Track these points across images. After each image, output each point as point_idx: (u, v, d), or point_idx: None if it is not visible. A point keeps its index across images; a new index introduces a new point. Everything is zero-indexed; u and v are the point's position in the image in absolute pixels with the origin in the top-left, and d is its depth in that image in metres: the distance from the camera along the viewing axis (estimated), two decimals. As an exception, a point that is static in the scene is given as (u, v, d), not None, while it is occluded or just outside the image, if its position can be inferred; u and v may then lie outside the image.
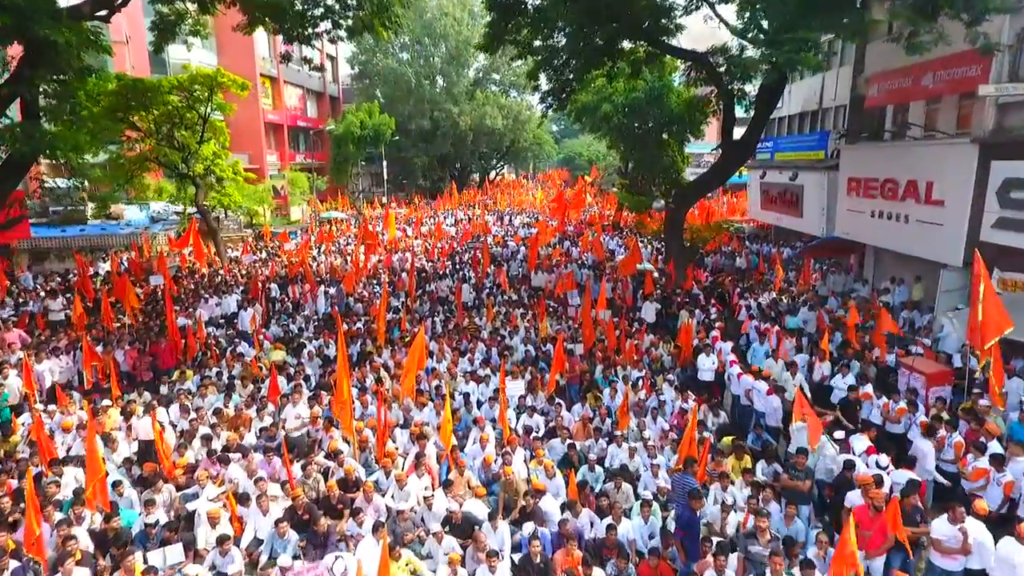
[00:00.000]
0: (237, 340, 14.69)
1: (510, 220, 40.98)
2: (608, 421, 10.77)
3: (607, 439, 10.11)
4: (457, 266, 25.33)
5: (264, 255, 25.92)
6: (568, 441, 9.79)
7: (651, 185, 34.13)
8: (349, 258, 24.55)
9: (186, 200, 24.67)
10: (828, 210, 21.17)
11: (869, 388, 10.31)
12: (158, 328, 14.56)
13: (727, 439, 9.79)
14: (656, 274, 19.79)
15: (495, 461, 9.05)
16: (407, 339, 15.08)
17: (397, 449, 9.38)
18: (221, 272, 22.09)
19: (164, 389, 11.96)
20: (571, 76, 19.80)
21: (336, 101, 55.82)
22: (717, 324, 14.15)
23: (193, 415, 10.20)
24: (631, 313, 17.25)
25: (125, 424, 9.91)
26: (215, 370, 12.78)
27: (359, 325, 16.12)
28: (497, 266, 23.89)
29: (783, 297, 18.47)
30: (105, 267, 22.86)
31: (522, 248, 27.27)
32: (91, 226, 25.74)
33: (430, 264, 25.19)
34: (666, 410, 10.91)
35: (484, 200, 50.47)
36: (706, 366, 12.12)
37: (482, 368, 13.09)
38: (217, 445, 9.29)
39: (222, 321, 16.63)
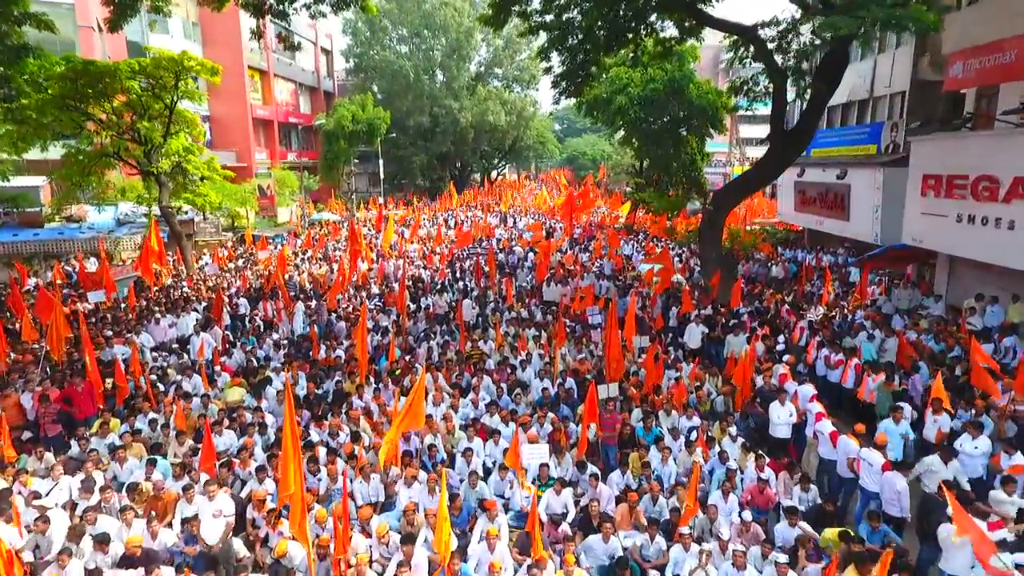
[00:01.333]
0: (190, 373, 11.93)
1: (514, 222, 38.26)
2: (662, 498, 8.00)
3: (662, 530, 7.37)
4: (458, 274, 22.59)
5: (240, 263, 23.02)
6: (613, 539, 7.03)
7: (668, 184, 31.47)
8: (336, 266, 21.76)
9: (151, 201, 21.94)
10: (883, 212, 18.45)
11: (1021, 458, 7.55)
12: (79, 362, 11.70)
13: (830, 533, 7.03)
14: (688, 287, 17.03)
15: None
16: (396, 372, 12.32)
17: (369, 559, 6.60)
18: (184, 285, 19.25)
19: (76, 448, 9.18)
20: (587, 57, 17.07)
21: (331, 97, 53.05)
22: (786, 358, 11.33)
23: (96, 495, 7.45)
24: (663, 336, 14.48)
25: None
26: (150, 416, 10.02)
27: (339, 352, 13.36)
28: (503, 275, 21.13)
29: (834, 313, 15.74)
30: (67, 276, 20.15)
31: (530, 255, 24.52)
32: (47, 230, 23.01)
33: (428, 272, 22.44)
34: (737, 481, 8.14)
35: (486, 201, 47.70)
36: (781, 418, 9.33)
37: (489, 413, 10.33)
38: (117, 551, 6.54)
39: (176, 346, 13.86)
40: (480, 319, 16.89)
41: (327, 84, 53.15)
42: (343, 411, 10.03)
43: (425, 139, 49.56)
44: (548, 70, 17.92)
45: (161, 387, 11.53)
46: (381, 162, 46.53)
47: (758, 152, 57.18)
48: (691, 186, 31.34)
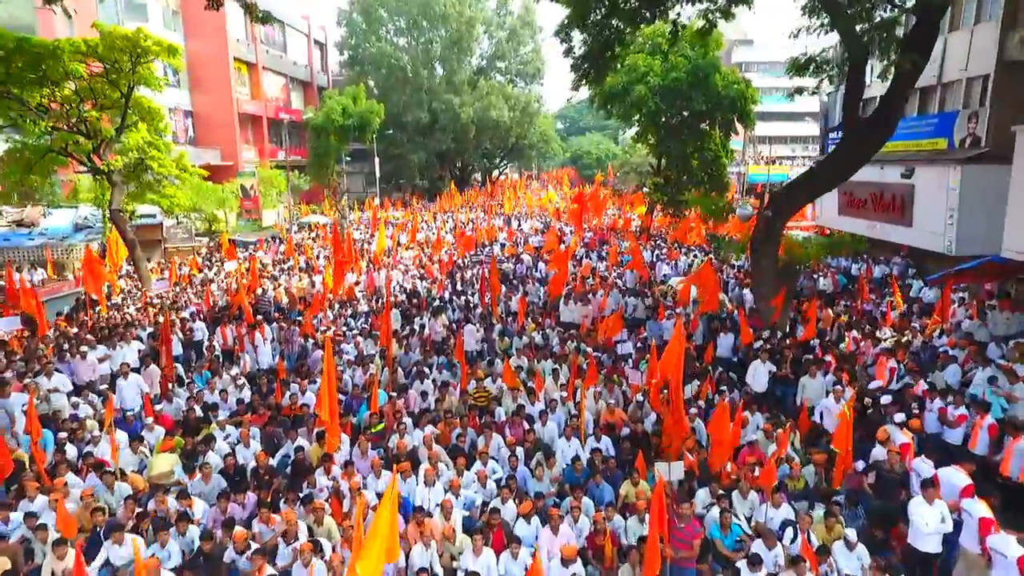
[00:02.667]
0: (108, 430, 9.13)
1: (519, 225, 35.49)
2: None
3: None
4: (459, 286, 19.79)
5: (209, 274, 20.08)
6: None
7: (689, 185, 28.66)
8: (320, 278, 18.93)
9: (105, 202, 19.13)
10: (959, 217, 15.68)
11: None
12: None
13: None
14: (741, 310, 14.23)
15: None
16: (378, 428, 9.53)
17: None
18: (130, 305, 16.31)
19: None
20: (612, 35, 14.32)
21: (325, 92, 50.34)
22: (897, 416, 8.46)
23: None
24: (711, 371, 11.66)
25: None
26: (26, 509, 7.22)
27: (309, 395, 10.55)
28: (510, 289, 18.33)
29: (908, 337, 12.96)
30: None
31: (541, 265, 21.73)
32: (-9, 236, 20.26)
33: (425, 284, 19.65)
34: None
35: (488, 202, 44.91)
36: (930, 525, 6.38)
37: (502, 498, 7.53)
38: None
39: (105, 387, 11.07)
40: (485, 344, 14.11)
41: (321, 79, 50.36)
42: (299, 499, 7.22)
43: (423, 136, 46.78)
44: (568, 51, 15.13)
45: (74, 450, 8.76)
46: (377, 161, 43.78)
47: (770, 150, 54.53)
48: (713, 186, 28.54)
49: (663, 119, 26.70)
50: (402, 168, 48.14)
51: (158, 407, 10.03)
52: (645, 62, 25.97)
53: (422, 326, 14.55)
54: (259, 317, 14.40)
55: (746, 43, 63.13)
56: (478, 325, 14.34)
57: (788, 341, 11.35)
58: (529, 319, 15.15)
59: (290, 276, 19.41)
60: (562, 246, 20.86)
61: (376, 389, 9.95)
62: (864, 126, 11.80)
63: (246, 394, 10.75)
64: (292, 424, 9.75)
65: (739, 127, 26.85)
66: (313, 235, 29.51)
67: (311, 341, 13.81)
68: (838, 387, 9.13)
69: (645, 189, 30.23)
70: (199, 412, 9.88)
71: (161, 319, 13.31)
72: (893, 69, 11.45)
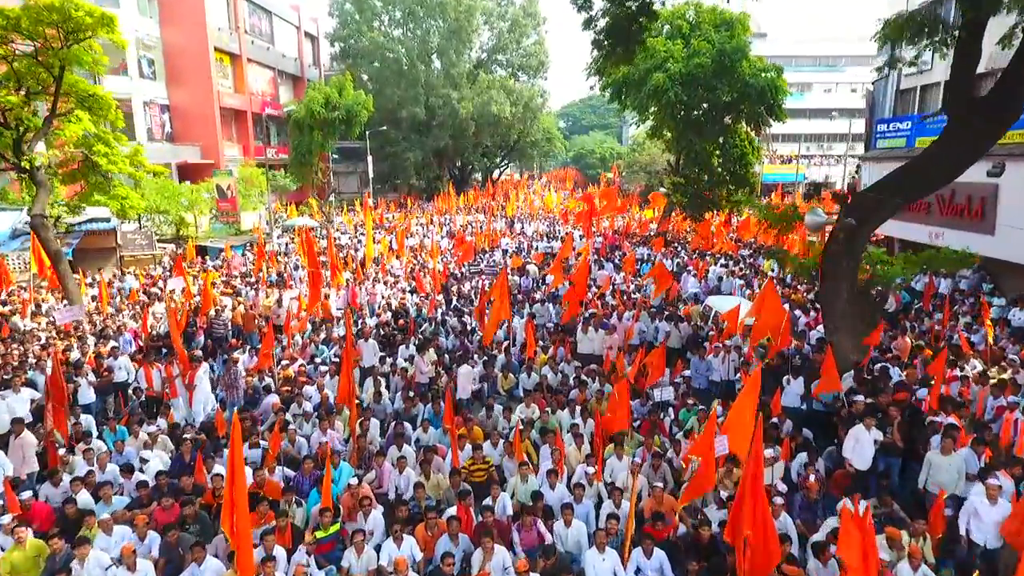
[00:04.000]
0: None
1: (522, 229, 32.68)
2: None
3: None
4: (455, 300, 16.95)
5: (145, 298, 16.83)
6: None
7: (711, 184, 25.88)
8: (291, 295, 16.03)
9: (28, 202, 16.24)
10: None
11: None
12: None
13: None
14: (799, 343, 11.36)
15: None
16: (329, 532, 6.68)
17: None
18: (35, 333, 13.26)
19: None
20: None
21: (309, 83, 47.47)
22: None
23: None
24: (784, 433, 8.81)
25: None
26: None
27: (248, 472, 7.70)
28: (517, 309, 15.45)
29: (1008, 372, 10.16)
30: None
31: (550, 277, 18.91)
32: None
33: (415, 300, 16.81)
34: None
35: (489, 203, 42.06)
36: None
37: None
38: None
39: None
40: (485, 385, 11.28)
41: (312, 73, 47.50)
42: None
43: (420, 133, 43.92)
44: (589, 22, 12.29)
45: None
46: (370, 159, 40.95)
47: (785, 148, 51.51)
48: (738, 186, 25.74)
49: (682, 111, 23.89)
50: (397, 167, 45.27)
51: (25, 495, 7.17)
52: (664, 47, 23.17)
53: (408, 359, 11.72)
54: (199, 353, 11.53)
55: (760, 36, 60.38)
56: (476, 361, 11.49)
57: (892, 395, 8.48)
58: (539, 349, 12.31)
59: (257, 291, 16.56)
60: (575, 254, 18.04)
61: (330, 475, 7.06)
62: (980, 108, 8.95)
63: (156, 466, 7.91)
64: (215, 519, 6.93)
65: (786, 115, 23.90)
66: (292, 239, 26.64)
67: (268, 378, 11.00)
68: (993, 482, 6.26)
69: (663, 189, 27.35)
70: (83, 500, 7.05)
71: (67, 355, 10.39)
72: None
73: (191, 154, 34.64)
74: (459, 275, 20.70)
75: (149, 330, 12.88)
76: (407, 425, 9.10)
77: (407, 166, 44.49)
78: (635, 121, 28.39)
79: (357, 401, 9.46)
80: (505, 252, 25.11)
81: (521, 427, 8.65)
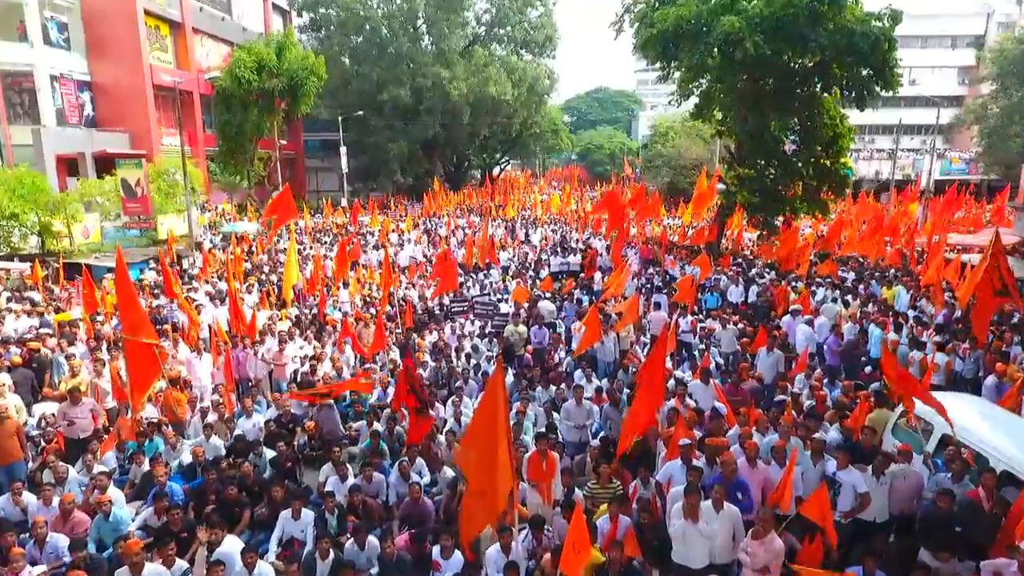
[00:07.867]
0: None
1: (526, 234, 25.84)
2: None
3: None
4: (438, 350, 10.06)
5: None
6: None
7: (785, 179, 19.07)
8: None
9: None
10: None
11: None
12: None
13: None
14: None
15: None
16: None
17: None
18: None
19: None
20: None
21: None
22: None
23: None
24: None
25: None
26: None
27: None
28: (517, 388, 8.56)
29: None
30: None
31: (567, 306, 12.07)
32: None
33: (396, 339, 9.98)
34: None
35: (486, 203, 35.10)
36: None
37: None
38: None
39: None
40: None
41: (282, 51, 40.67)
42: None
43: (405, 120, 36.95)
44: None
45: None
46: (343, 151, 34.10)
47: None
48: (826, 182, 18.83)
49: (758, 74, 17.01)
50: (379, 161, 38.35)
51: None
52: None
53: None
54: None
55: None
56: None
57: None
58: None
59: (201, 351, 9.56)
60: (630, 288, 11.29)
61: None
62: None
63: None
64: None
65: (900, 81, 16.88)
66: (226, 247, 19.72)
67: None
68: None
69: (720, 186, 20.44)
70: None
71: None
72: None
73: (118, 142, 27.88)
74: (451, 303, 13.70)
75: None
76: None
77: (390, 159, 37.54)
78: (672, 99, 21.37)
79: None
80: (505, 271, 18.24)
81: None
